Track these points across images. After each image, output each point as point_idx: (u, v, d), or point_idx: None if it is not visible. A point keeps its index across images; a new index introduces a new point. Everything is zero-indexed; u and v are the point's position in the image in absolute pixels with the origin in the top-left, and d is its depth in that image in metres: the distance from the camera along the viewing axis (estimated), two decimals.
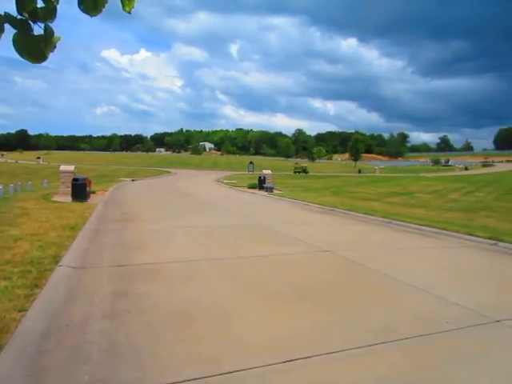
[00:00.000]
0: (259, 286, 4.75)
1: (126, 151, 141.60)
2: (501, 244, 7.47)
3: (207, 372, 2.69)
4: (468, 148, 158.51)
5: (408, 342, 3.25)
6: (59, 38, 1.74)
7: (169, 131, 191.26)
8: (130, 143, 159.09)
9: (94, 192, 16.22)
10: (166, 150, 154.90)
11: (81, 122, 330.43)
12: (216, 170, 55.60)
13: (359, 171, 63.57)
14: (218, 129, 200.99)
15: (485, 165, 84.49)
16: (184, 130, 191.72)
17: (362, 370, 2.81)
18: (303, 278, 5.15)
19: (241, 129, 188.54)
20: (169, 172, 45.10)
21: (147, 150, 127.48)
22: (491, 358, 3.07)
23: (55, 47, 1.75)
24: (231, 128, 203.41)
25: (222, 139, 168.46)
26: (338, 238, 8.24)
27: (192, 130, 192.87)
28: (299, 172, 52.18)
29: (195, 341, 3.18)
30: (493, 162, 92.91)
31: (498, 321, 3.74)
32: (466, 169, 71.04)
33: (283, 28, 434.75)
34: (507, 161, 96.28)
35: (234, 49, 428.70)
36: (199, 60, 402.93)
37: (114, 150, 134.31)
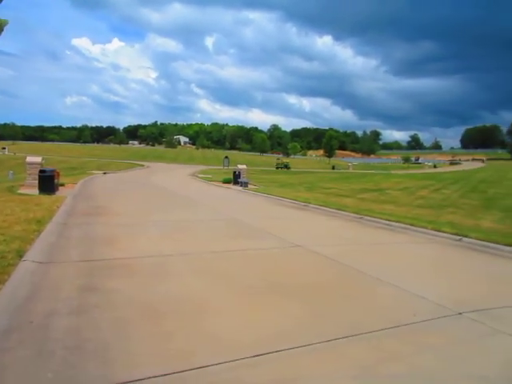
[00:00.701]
0: (231, 280, 4.74)
1: (98, 143, 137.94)
2: (465, 239, 7.77)
3: (178, 367, 2.66)
4: (437, 146, 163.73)
5: (376, 335, 3.33)
6: (6, 22, 1.66)
7: (143, 123, 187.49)
8: (102, 135, 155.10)
9: (62, 184, 15.70)
10: (140, 143, 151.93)
11: (50, 112, 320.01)
12: (191, 164, 55.07)
13: (333, 167, 64.54)
14: (194, 122, 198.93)
15: (452, 163, 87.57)
16: (158, 122, 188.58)
17: (331, 363, 2.86)
18: (275, 273, 5.18)
19: (216, 123, 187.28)
20: (142, 165, 44.28)
21: (120, 143, 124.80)
22: (453, 349, 3.18)
23: (2, 30, 1.67)
24: (207, 122, 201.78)
25: (197, 133, 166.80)
26: (311, 233, 8.34)
27: (167, 122, 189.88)
28: (281, 167, 53.03)
29: (166, 336, 3.14)
30: (459, 160, 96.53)
31: (460, 313, 3.89)
32: (435, 167, 73.41)
33: (259, 23, 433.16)
34: (473, 159, 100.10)
35: (209, 42, 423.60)
36: (174, 52, 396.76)
37: (85, 142, 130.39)
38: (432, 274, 5.58)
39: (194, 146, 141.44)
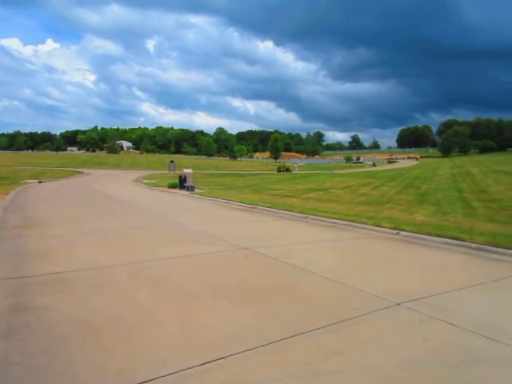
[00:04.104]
0: (176, 288, 4.61)
1: (33, 150, 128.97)
2: (402, 233, 8.22)
3: None
4: (375, 146, 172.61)
5: (320, 332, 3.39)
6: None
7: (82, 129, 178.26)
8: (37, 142, 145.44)
9: None
10: (79, 149, 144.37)
11: None
12: (135, 170, 53.27)
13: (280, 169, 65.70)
14: (137, 126, 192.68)
15: (390, 161, 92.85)
16: (99, 127, 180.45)
17: (277, 364, 2.86)
18: (222, 277, 5.12)
19: (160, 127, 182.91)
20: (82, 172, 42.04)
21: (57, 149, 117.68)
22: (393, 339, 3.32)
23: None
24: (150, 126, 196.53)
25: (140, 137, 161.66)
26: (258, 235, 8.38)
27: (108, 127, 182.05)
28: (283, 171, 56.07)
29: (103, 353, 2.96)
30: (396, 158, 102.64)
31: (398, 304, 4.09)
32: (374, 165, 77.37)
33: (202, 27, 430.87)
34: (408, 157, 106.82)
35: (150, 45, 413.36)
36: (114, 54, 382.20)
37: (18, 149, 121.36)
38: (372, 267, 5.83)
39: (137, 151, 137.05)
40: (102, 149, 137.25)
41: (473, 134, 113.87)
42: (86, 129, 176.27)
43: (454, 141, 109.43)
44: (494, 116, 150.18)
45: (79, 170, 46.81)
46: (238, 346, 3.08)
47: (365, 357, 2.98)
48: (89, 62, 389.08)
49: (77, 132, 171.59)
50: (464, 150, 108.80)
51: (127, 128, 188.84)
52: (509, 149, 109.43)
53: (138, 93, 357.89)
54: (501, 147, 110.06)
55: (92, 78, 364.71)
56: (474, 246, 6.87)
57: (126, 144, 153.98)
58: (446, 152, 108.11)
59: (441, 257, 6.51)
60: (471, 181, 24.48)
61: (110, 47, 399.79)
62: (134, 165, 65.54)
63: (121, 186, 26.67)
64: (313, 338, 3.28)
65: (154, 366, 2.77)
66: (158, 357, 2.93)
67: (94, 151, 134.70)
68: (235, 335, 3.33)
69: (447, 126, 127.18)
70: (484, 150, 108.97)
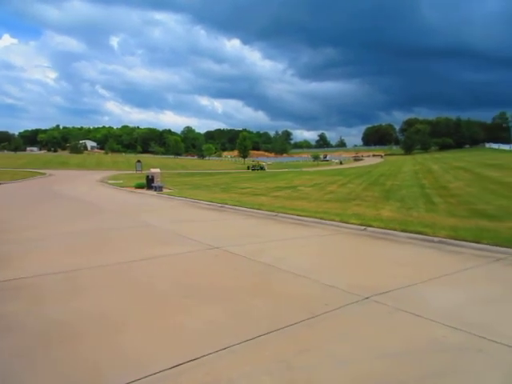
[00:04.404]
0: (147, 290, 4.53)
1: None
2: (369, 229, 8.45)
3: None
4: (342, 144, 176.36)
5: (292, 328, 3.43)
6: None
7: (43, 128, 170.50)
8: None
9: None
10: (40, 149, 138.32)
11: None
12: (100, 170, 51.74)
13: (248, 168, 65.76)
14: (101, 126, 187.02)
15: (356, 159, 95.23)
16: (61, 126, 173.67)
17: (251, 362, 2.86)
18: (193, 277, 5.08)
19: (126, 126, 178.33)
20: (44, 173, 40.35)
21: (16, 149, 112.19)
22: (363, 332, 3.41)
23: None
24: (116, 125, 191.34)
25: (105, 137, 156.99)
26: (228, 234, 8.36)
27: (70, 126, 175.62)
28: (257, 169, 55.94)
29: (69, 361, 2.86)
30: (362, 156, 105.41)
31: (367, 298, 4.20)
32: (341, 163, 79.05)
33: (168, 24, 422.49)
34: (373, 155, 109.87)
35: (114, 42, 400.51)
36: (76, 51, 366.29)
37: None
38: (341, 263, 5.96)
39: (102, 151, 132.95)
40: (64, 149, 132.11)
41: (433, 131, 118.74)
42: (47, 128, 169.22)
43: (415, 138, 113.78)
44: (453, 114, 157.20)
45: (41, 170, 44.88)
46: (212, 345, 3.07)
47: (336, 351, 3.04)
48: (49, 59, 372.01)
49: (37, 131, 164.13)
50: (425, 148, 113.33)
51: (91, 127, 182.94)
52: (466, 146, 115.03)
53: (103, 91, 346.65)
54: (458, 144, 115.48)
55: (53, 75, 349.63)
56: (436, 239, 7.16)
57: (90, 144, 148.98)
58: (408, 149, 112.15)
59: (406, 251, 6.74)
60: (432, 177, 25.51)
61: (72, 44, 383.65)
62: (98, 165, 63.64)
63: (85, 186, 25.83)
64: (286, 334, 3.31)
65: (128, 370, 2.71)
66: (132, 360, 2.87)
67: (56, 151, 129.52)
68: (209, 334, 3.31)
69: (409, 124, 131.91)
70: (443, 147, 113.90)
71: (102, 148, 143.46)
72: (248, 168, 64.51)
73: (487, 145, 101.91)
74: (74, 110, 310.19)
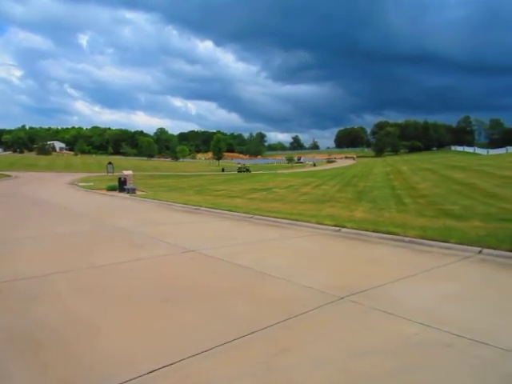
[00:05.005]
0: (122, 294, 4.45)
1: None
2: (343, 230, 8.62)
3: None
4: (315, 147, 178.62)
5: (272, 329, 3.46)
6: None
7: (7, 128, 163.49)
8: None
9: None
10: (5, 150, 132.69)
11: None
12: (69, 172, 50.30)
13: (223, 170, 65.65)
14: (70, 126, 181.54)
15: (329, 161, 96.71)
16: (27, 126, 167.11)
17: (231, 364, 2.88)
18: (169, 281, 5.03)
19: (97, 126, 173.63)
20: (9, 175, 38.86)
21: None
22: (339, 331, 3.49)
23: None
24: (86, 126, 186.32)
25: (75, 138, 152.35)
26: (204, 237, 8.32)
27: (37, 126, 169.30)
28: (243, 171, 57.87)
29: (41, 369, 2.78)
30: (335, 158, 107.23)
31: (342, 297, 4.29)
32: (315, 165, 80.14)
33: (138, 23, 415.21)
34: (346, 157, 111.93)
35: (83, 40, 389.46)
36: (43, 49, 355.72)
37: None
38: (317, 264, 6.05)
39: (71, 152, 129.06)
40: (31, 150, 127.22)
41: (402, 134, 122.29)
42: (12, 128, 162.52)
43: (386, 141, 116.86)
44: (421, 118, 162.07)
45: (6, 172, 43.14)
46: (191, 348, 3.06)
47: (315, 351, 3.10)
48: (13, 57, 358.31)
49: (1, 132, 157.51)
50: (395, 150, 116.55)
51: (60, 127, 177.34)
52: (433, 148, 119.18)
53: (71, 90, 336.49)
54: (426, 147, 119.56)
55: (18, 73, 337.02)
56: (407, 239, 7.39)
57: (58, 145, 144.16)
58: (379, 152, 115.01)
59: (379, 251, 6.92)
60: (402, 178, 26.28)
61: (38, 41, 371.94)
62: (68, 167, 61.84)
63: (54, 189, 25.03)
64: (265, 335, 3.35)
65: (104, 377, 2.67)
66: (107, 367, 2.82)
67: (22, 152, 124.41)
68: (187, 338, 3.30)
69: (380, 127, 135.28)
70: (412, 150, 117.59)
71: (71, 149, 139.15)
72: (222, 170, 64.49)
73: (453, 147, 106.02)
74: (41, 109, 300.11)
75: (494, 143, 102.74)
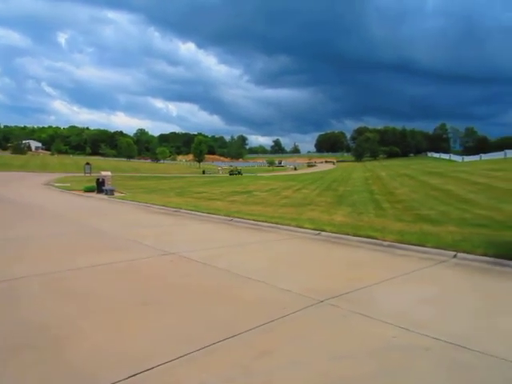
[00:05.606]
0: (99, 298, 4.33)
1: None
2: (323, 233, 8.67)
3: None
4: (296, 150, 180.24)
5: (252, 333, 3.43)
6: None
7: None
8: None
9: None
10: None
11: None
12: (45, 172, 48.98)
13: (203, 172, 65.33)
14: (47, 125, 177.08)
15: (309, 165, 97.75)
16: (2, 125, 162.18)
17: (210, 369, 2.82)
18: (148, 284, 4.93)
19: (75, 126, 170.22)
20: None
21: None
22: (319, 334, 3.49)
23: None
24: (63, 125, 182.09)
25: (51, 137, 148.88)
26: (183, 239, 8.22)
27: (12, 125, 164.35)
28: (235, 174, 58.62)
29: (17, 377, 2.66)
30: (315, 162, 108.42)
31: (321, 301, 4.30)
32: (295, 169, 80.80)
33: (120, 23, 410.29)
34: (326, 161, 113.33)
35: (62, 38, 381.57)
36: (20, 46, 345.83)
37: None
38: (296, 267, 6.05)
39: (48, 152, 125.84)
40: (5, 149, 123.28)
41: (381, 140, 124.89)
42: None
43: (365, 146, 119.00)
44: (399, 124, 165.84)
45: None
46: (169, 353, 2.99)
47: (294, 354, 3.08)
48: None
49: None
50: (374, 155, 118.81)
51: (36, 126, 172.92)
52: (411, 154, 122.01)
53: (49, 89, 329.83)
54: (404, 153, 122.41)
55: None
56: (385, 243, 7.50)
57: (34, 144, 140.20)
58: (359, 157, 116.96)
59: (358, 254, 6.98)
60: (381, 183, 26.72)
61: (15, 38, 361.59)
62: (44, 167, 60.21)
63: (29, 189, 24.32)
64: (244, 339, 3.31)
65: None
66: (78, 375, 2.72)
67: None
68: (165, 342, 3.22)
69: (359, 132, 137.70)
70: (391, 155, 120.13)
71: (47, 149, 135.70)
72: (203, 172, 64.18)
73: (429, 154, 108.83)
74: (17, 107, 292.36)
75: (468, 151, 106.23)
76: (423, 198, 16.61)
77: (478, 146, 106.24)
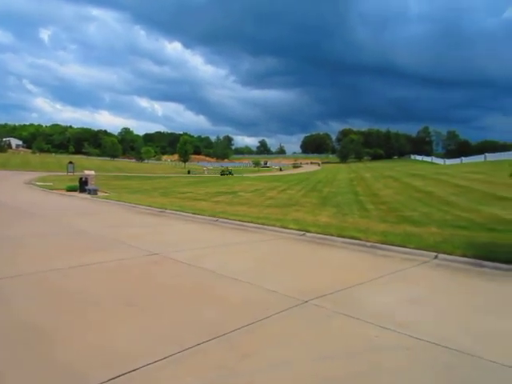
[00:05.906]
0: (83, 299, 4.27)
1: None
2: (308, 234, 8.73)
3: None
4: (282, 151, 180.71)
5: (235, 334, 3.43)
6: None
7: None
8: None
9: None
10: None
11: None
12: (26, 171, 47.90)
13: (189, 172, 64.94)
14: (29, 123, 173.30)
15: (295, 166, 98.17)
16: None
17: (192, 370, 2.81)
18: (132, 285, 4.88)
19: (57, 124, 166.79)
20: None
21: None
22: (303, 335, 3.51)
23: None
24: (45, 123, 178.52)
25: (33, 135, 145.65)
26: (168, 240, 8.16)
27: None
28: (226, 174, 58.92)
29: (7, 374, 2.61)
30: (301, 163, 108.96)
31: (306, 301, 4.33)
32: (281, 170, 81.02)
33: (105, 21, 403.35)
34: (311, 163, 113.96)
35: (45, 35, 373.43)
36: (1, 42, 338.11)
37: None
38: (281, 268, 6.08)
39: (29, 150, 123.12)
40: None
41: (365, 142, 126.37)
42: None
43: (350, 148, 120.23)
44: (383, 127, 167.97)
45: None
46: (152, 354, 2.96)
47: (278, 355, 3.09)
48: None
49: None
50: (359, 157, 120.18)
51: (17, 124, 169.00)
52: (394, 157, 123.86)
53: (31, 86, 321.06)
54: (388, 155, 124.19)
55: None
56: (369, 244, 7.59)
57: (15, 142, 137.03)
58: (343, 158, 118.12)
59: (342, 255, 7.06)
60: (365, 185, 27.04)
61: None
62: (25, 165, 58.90)
63: (9, 188, 23.78)
64: (228, 340, 3.30)
65: None
66: (59, 377, 2.68)
67: None
68: (148, 344, 3.20)
69: (344, 134, 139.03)
70: (375, 157, 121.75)
71: (29, 147, 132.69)
72: (188, 172, 63.80)
73: (412, 156, 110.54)
74: None
75: (450, 153, 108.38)
76: (406, 200, 16.88)
77: (460, 149, 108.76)
